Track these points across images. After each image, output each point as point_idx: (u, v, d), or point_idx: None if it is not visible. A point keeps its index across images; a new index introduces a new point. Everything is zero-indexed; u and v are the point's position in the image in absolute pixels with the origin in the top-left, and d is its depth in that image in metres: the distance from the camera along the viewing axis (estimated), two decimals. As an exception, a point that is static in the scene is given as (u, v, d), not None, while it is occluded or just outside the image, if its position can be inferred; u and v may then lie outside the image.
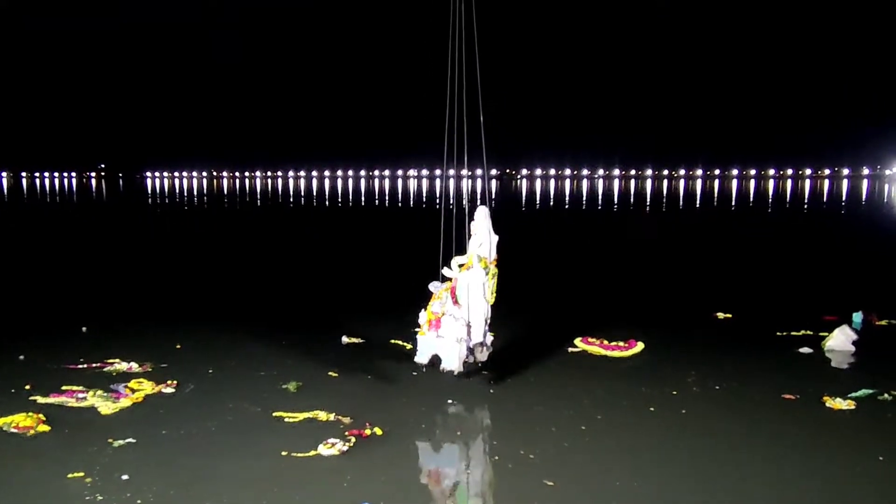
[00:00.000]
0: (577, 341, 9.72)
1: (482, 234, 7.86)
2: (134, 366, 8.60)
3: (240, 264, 18.84)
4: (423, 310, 7.98)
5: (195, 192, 78.19)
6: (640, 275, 17.00)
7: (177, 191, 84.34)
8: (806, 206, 50.85)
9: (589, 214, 42.61)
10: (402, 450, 6.44)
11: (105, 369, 8.50)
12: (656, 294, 14.20)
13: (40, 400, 7.40)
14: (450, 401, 7.58)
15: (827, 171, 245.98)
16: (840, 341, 9.70)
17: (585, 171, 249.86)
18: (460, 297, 7.80)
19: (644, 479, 5.78)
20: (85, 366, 8.62)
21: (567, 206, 50.62)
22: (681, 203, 55.87)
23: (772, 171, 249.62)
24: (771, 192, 78.88)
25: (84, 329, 10.54)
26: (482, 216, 7.94)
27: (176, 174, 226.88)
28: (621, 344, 9.58)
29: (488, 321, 7.96)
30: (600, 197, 65.70)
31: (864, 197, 65.68)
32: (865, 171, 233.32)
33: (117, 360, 8.73)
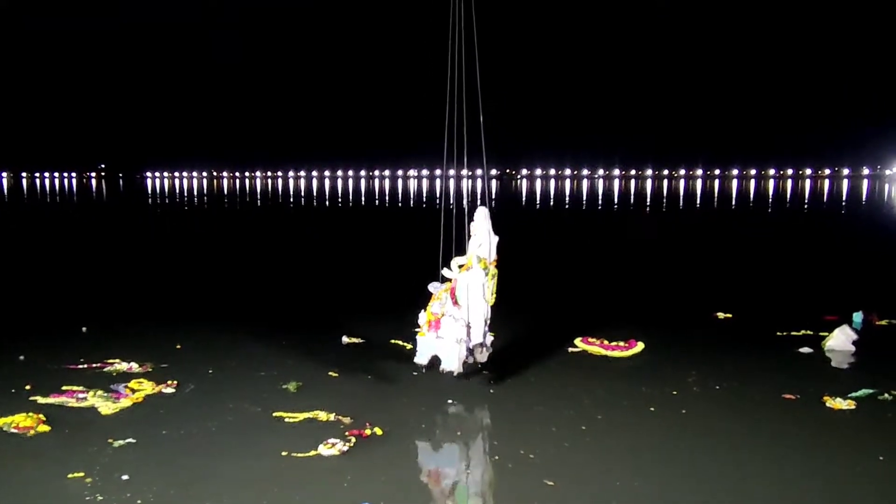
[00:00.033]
0: (578, 341, 9.72)
1: (482, 235, 7.85)
2: (134, 366, 8.60)
3: (240, 264, 18.85)
4: (422, 311, 7.97)
5: (195, 193, 78.19)
6: (640, 275, 17.00)
7: (177, 191, 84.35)
8: (806, 206, 50.86)
9: (589, 214, 42.61)
10: (403, 450, 6.44)
11: (105, 369, 8.50)
12: (656, 294, 14.20)
13: (40, 400, 7.40)
14: (450, 401, 7.58)
15: (827, 171, 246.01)
16: (840, 341, 9.70)
17: (585, 171, 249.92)
18: (460, 297, 7.80)
19: (644, 479, 5.78)
20: (85, 366, 8.62)
21: (567, 207, 50.63)
22: (681, 203, 55.86)
23: (772, 171, 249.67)
24: (771, 192, 78.88)
25: (84, 329, 10.54)
26: (482, 217, 7.93)
27: (176, 174, 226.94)
28: (621, 344, 9.57)
29: (488, 322, 7.96)
30: (600, 197, 65.70)
31: (864, 197, 65.67)
32: (865, 171, 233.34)
33: (117, 361, 8.73)
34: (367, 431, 6.63)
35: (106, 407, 7.23)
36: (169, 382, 7.99)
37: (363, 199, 60.82)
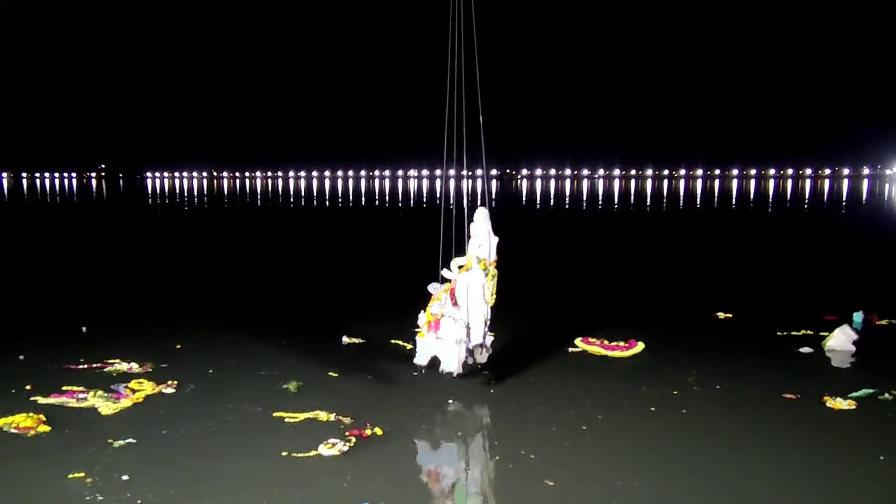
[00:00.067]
0: (578, 341, 9.72)
1: (481, 236, 7.84)
2: (134, 366, 8.60)
3: (240, 265, 18.85)
4: (422, 311, 7.97)
5: (195, 193, 78.20)
6: (641, 275, 17.00)
7: (177, 191, 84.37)
8: (806, 206, 50.85)
9: (589, 214, 42.61)
10: (403, 450, 6.44)
11: (105, 369, 8.50)
12: (656, 294, 14.20)
13: (41, 400, 7.40)
14: (450, 401, 7.58)
15: (827, 171, 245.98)
16: (840, 341, 9.69)
17: (585, 171, 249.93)
18: (459, 298, 7.79)
19: (645, 479, 5.78)
20: (85, 366, 8.62)
21: (567, 207, 50.63)
22: (681, 203, 55.87)
23: (772, 171, 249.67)
24: (771, 192, 78.88)
25: (84, 329, 10.54)
26: (481, 217, 7.92)
27: (176, 174, 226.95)
28: (622, 344, 9.57)
29: (488, 323, 7.95)
30: (600, 197, 65.71)
31: (864, 197, 65.67)
32: (866, 171, 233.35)
33: (118, 361, 8.73)
34: (368, 431, 6.63)
35: (106, 407, 7.23)
36: (169, 382, 7.99)
37: (363, 199, 60.82)
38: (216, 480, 5.71)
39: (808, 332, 10.44)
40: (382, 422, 6.85)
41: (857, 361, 9.27)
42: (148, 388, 7.82)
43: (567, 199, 62.17)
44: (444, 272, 7.97)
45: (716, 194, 73.66)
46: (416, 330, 8.00)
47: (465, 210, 7.97)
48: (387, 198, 62.58)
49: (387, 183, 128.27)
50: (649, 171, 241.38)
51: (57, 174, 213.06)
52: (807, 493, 5.60)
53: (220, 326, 10.81)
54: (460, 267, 7.91)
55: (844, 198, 63.45)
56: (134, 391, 7.71)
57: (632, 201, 57.91)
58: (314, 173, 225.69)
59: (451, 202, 8.35)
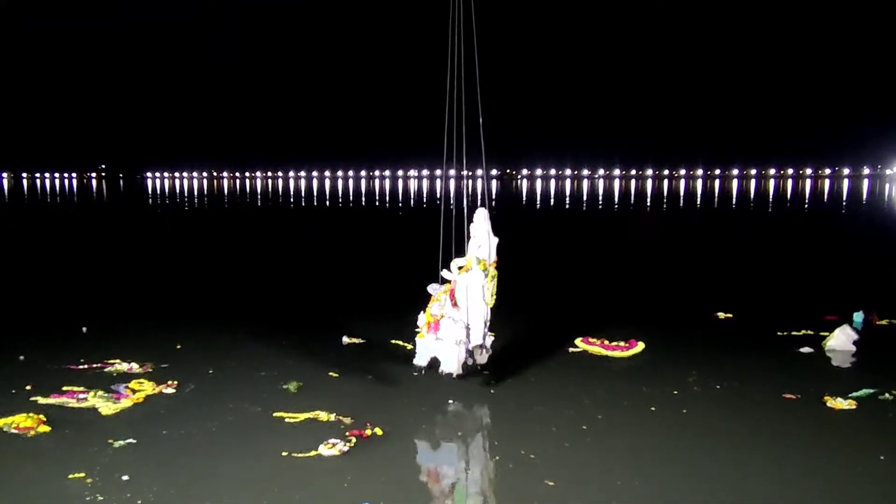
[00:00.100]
0: (578, 341, 9.71)
1: (481, 236, 7.83)
2: (134, 366, 8.60)
3: (240, 265, 18.85)
4: (421, 312, 7.97)
5: (195, 193, 78.22)
6: (641, 275, 17.00)
7: (177, 191, 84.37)
8: (806, 206, 50.84)
9: (589, 214, 42.61)
10: (403, 450, 6.44)
11: (105, 370, 8.50)
12: (656, 294, 14.19)
13: (41, 400, 7.40)
14: (450, 401, 7.58)
15: (827, 171, 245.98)
16: (841, 341, 9.69)
17: (586, 171, 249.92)
18: (459, 299, 7.78)
19: (645, 479, 5.78)
20: (85, 366, 8.62)
21: (567, 207, 50.63)
22: (681, 203, 55.86)
23: (772, 171, 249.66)
24: (771, 192, 78.86)
25: (84, 329, 10.54)
26: (481, 218, 7.92)
27: (176, 174, 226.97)
28: (622, 344, 9.57)
29: (488, 324, 7.94)
30: (600, 197, 65.71)
31: (864, 196, 65.65)
32: (866, 171, 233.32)
33: (118, 361, 8.73)
34: (368, 431, 6.63)
35: (106, 407, 7.23)
36: (169, 383, 7.99)
37: (363, 199, 60.81)
38: (216, 480, 5.71)
39: (809, 332, 10.44)
40: (383, 422, 6.85)
41: (858, 361, 9.27)
42: (148, 388, 7.82)
43: (567, 199, 62.16)
44: (444, 273, 7.96)
45: (716, 194, 73.65)
46: (416, 330, 8.00)
47: (465, 210, 7.96)
48: (387, 198, 62.59)
49: (387, 183, 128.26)
50: (649, 171, 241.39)
51: (57, 174, 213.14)
52: (807, 493, 5.60)
53: (220, 326, 10.82)
54: (460, 268, 7.90)
55: (845, 198, 63.43)
56: (134, 391, 7.71)
57: (632, 201, 57.90)
58: (314, 173, 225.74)
59: (452, 202, 8.35)
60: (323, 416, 7.03)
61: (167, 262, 19.39)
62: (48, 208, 50.48)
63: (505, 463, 6.13)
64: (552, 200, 58.67)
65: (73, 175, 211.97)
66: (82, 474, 5.74)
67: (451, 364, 7.63)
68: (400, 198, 62.34)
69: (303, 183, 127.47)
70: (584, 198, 64.01)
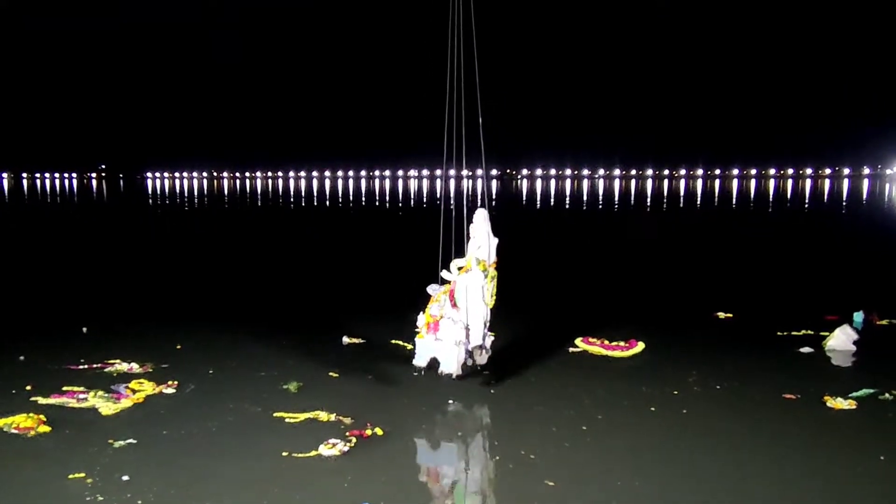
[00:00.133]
0: (578, 341, 9.71)
1: (481, 237, 7.83)
2: (135, 366, 8.60)
3: (240, 265, 18.85)
4: (421, 313, 7.97)
5: (195, 193, 78.22)
6: (641, 275, 17.00)
7: (177, 191, 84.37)
8: (807, 206, 50.83)
9: (589, 214, 42.60)
10: (403, 450, 6.44)
11: (106, 370, 8.50)
12: (657, 294, 14.19)
13: (41, 401, 7.40)
14: (450, 401, 7.58)
15: (828, 171, 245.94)
16: (841, 341, 9.69)
17: (586, 171, 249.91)
18: (459, 300, 7.78)
19: (645, 479, 5.78)
20: (86, 366, 8.62)
21: (567, 207, 50.62)
22: (681, 203, 55.86)
23: (772, 171, 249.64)
24: (771, 192, 78.85)
25: (85, 330, 10.54)
26: (481, 219, 7.91)
27: (176, 175, 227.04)
28: (622, 344, 9.57)
29: (487, 324, 7.94)
30: (601, 197, 65.70)
31: (864, 196, 65.65)
32: (866, 171, 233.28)
33: (118, 361, 8.74)
34: (368, 432, 6.63)
35: (106, 407, 7.23)
36: (169, 383, 7.99)
37: (363, 199, 60.80)
38: (216, 481, 5.71)
39: (809, 331, 10.44)
40: (383, 422, 6.85)
41: (858, 361, 9.27)
42: (148, 388, 7.82)
43: (567, 199, 62.15)
44: (444, 273, 7.95)
45: (716, 194, 73.65)
46: (416, 331, 8.00)
47: (465, 211, 7.96)
48: (387, 198, 62.59)
49: (387, 183, 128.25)
50: (649, 171, 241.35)
51: (57, 174, 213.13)
52: (807, 493, 5.60)
53: (220, 326, 10.82)
54: (460, 268, 7.90)
55: (845, 198, 63.42)
56: (134, 391, 7.71)
57: (632, 201, 57.89)
58: (314, 173, 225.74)
59: (452, 203, 8.35)
60: (323, 416, 7.03)
61: (167, 263, 19.39)
62: (48, 208, 50.47)
63: (505, 463, 6.13)
64: (552, 200, 58.66)
65: (73, 175, 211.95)
66: (82, 474, 5.74)
67: (451, 365, 7.63)
68: (400, 198, 62.34)
69: (303, 183, 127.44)
70: (584, 198, 63.99)
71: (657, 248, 22.54)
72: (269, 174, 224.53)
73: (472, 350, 7.88)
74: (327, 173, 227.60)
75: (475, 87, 7.74)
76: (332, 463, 6.05)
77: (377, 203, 54.30)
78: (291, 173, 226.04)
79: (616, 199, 62.45)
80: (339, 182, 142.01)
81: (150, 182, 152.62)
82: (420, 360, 7.89)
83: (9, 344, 9.68)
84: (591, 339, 9.71)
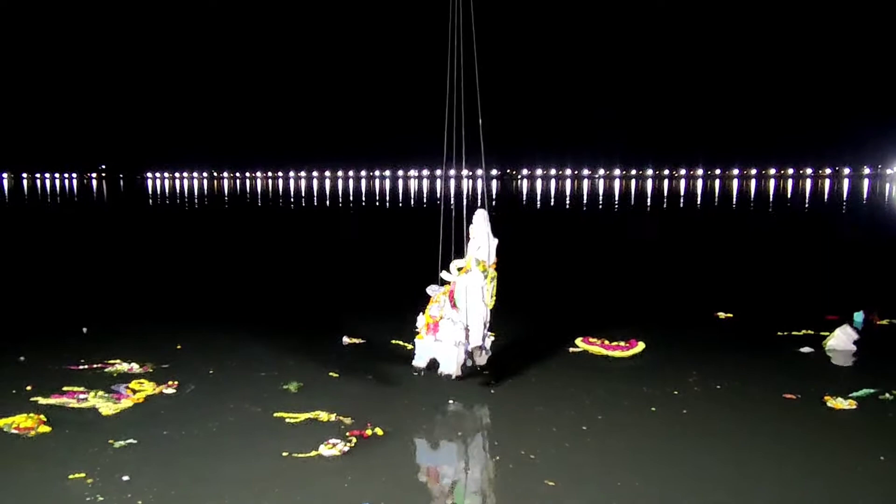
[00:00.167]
0: (578, 341, 9.71)
1: (481, 238, 7.83)
2: (135, 366, 8.60)
3: (240, 265, 18.85)
4: (420, 313, 7.97)
5: (196, 193, 78.22)
6: (641, 275, 17.00)
7: (177, 191, 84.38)
8: (807, 206, 50.82)
9: (589, 214, 42.59)
10: (403, 450, 6.44)
11: (106, 370, 8.50)
12: (657, 294, 14.19)
13: (41, 401, 7.40)
14: (450, 401, 7.58)
15: (828, 171, 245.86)
16: (841, 341, 9.69)
17: (586, 171, 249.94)
18: (458, 300, 7.77)
19: (645, 479, 5.78)
20: (86, 367, 8.62)
21: (567, 207, 50.61)
22: (681, 202, 55.85)
23: (773, 171, 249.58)
24: (772, 192, 78.83)
25: (85, 330, 10.54)
26: (481, 219, 7.91)
27: (176, 175, 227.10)
28: (622, 344, 9.57)
29: (487, 325, 7.94)
30: (601, 197, 65.69)
31: (864, 196, 65.62)
32: (866, 171, 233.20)
33: (118, 361, 8.74)
34: (368, 432, 6.63)
35: (107, 408, 7.23)
36: (170, 383, 7.99)
37: (363, 199, 60.80)
38: (217, 481, 5.71)
39: (809, 331, 10.43)
40: (383, 422, 6.85)
41: (858, 361, 9.26)
42: (148, 388, 7.82)
43: (567, 199, 62.13)
44: (444, 274, 7.95)
45: (716, 194, 73.63)
46: (416, 331, 8.00)
47: (465, 211, 7.96)
48: (387, 198, 62.58)
49: (387, 183, 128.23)
50: (649, 171, 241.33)
51: (57, 175, 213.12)
52: (807, 493, 5.59)
53: (220, 326, 10.82)
54: (459, 269, 7.90)
55: (845, 197, 63.40)
56: (134, 391, 7.71)
57: (632, 201, 57.87)
58: (314, 173, 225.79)
59: (452, 203, 8.35)
60: (323, 416, 7.03)
61: (167, 263, 19.38)
62: (48, 209, 50.48)
63: (505, 463, 6.13)
64: (552, 200, 58.65)
65: (74, 175, 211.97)
66: (83, 475, 5.74)
67: (450, 365, 7.63)
68: (400, 198, 62.33)
69: (303, 183, 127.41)
70: (585, 198, 63.97)
71: (657, 248, 22.54)
72: (270, 174, 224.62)
73: (472, 351, 7.89)
74: (327, 173, 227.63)
75: (475, 87, 7.75)
76: (333, 463, 6.05)
77: (377, 203, 54.29)
78: (292, 173, 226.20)
79: (616, 198, 62.41)
80: (340, 182, 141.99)
81: (150, 182, 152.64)
82: (420, 361, 7.89)
83: (9, 344, 9.68)
84: (591, 339, 9.70)
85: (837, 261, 19.46)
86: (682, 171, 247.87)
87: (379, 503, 5.33)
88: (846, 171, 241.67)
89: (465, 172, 7.88)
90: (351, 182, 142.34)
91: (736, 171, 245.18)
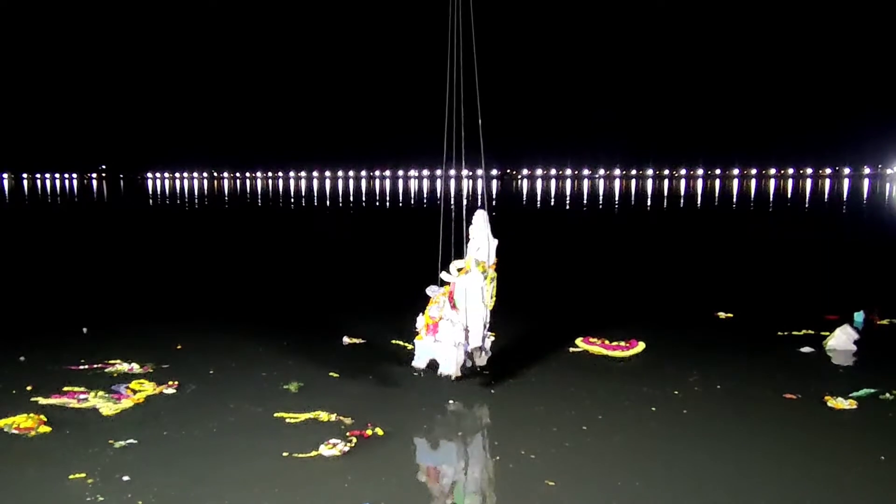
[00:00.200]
0: (579, 341, 9.71)
1: (480, 239, 7.83)
2: (135, 366, 8.60)
3: (241, 265, 18.85)
4: (420, 314, 7.97)
5: (196, 193, 78.23)
6: (641, 274, 17.00)
7: (178, 191, 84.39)
8: (807, 206, 50.81)
9: (589, 214, 42.58)
10: (404, 450, 6.45)
11: (106, 370, 8.51)
12: (657, 294, 14.19)
13: (42, 401, 7.40)
14: (451, 401, 7.58)
15: (828, 171, 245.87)
16: (841, 340, 9.69)
17: (586, 171, 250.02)
18: (458, 301, 7.78)
19: (645, 479, 5.78)
20: (86, 367, 8.63)
21: (567, 207, 50.60)
22: (681, 202, 55.85)
23: (773, 171, 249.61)
24: (772, 192, 78.82)
25: (85, 330, 10.54)
26: (480, 220, 7.92)
27: (177, 175, 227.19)
28: (622, 343, 9.57)
29: (487, 326, 7.94)
30: (601, 197, 65.68)
31: (865, 196, 65.61)
32: (866, 171, 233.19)
33: (118, 361, 8.74)
34: (368, 432, 6.64)
35: (107, 408, 7.24)
36: (170, 383, 7.99)
37: (363, 199, 60.80)
38: (217, 481, 5.71)
39: (809, 331, 10.43)
40: (383, 422, 6.85)
41: (858, 361, 9.26)
42: (149, 388, 7.82)
43: (567, 199, 62.13)
44: (443, 275, 7.95)
45: (716, 194, 73.62)
46: (416, 331, 8.00)
47: (464, 212, 7.96)
48: (387, 198, 62.58)
49: (387, 183, 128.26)
50: (650, 171, 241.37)
51: (57, 175, 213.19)
52: (807, 492, 5.59)
53: (220, 326, 10.82)
54: (459, 270, 7.90)
55: (845, 197, 63.39)
56: (135, 392, 7.71)
57: (632, 201, 57.86)
58: (315, 173, 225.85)
59: (451, 204, 8.35)
60: (324, 416, 7.03)
61: (168, 263, 19.39)
62: (49, 209, 50.48)
63: (505, 463, 6.14)
64: (552, 200, 58.65)
65: (74, 176, 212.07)
66: (83, 475, 5.74)
67: (450, 366, 7.63)
68: (400, 198, 62.33)
69: (303, 183, 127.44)
70: (585, 198, 63.96)
71: (657, 248, 22.54)
72: (270, 174, 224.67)
73: (472, 351, 7.88)
74: (328, 173, 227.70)
75: (475, 87, 7.75)
76: (333, 463, 6.05)
77: (377, 203, 54.28)
78: (292, 173, 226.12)
79: (616, 198, 62.40)
80: (340, 182, 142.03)
81: (150, 182, 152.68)
82: (419, 362, 7.90)
83: (9, 344, 9.68)
84: (591, 339, 9.71)
85: (837, 261, 19.46)
86: (682, 171, 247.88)
87: (379, 503, 5.34)
88: (846, 170, 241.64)
89: (465, 172, 7.88)
90: (351, 182, 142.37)
91: (736, 171, 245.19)
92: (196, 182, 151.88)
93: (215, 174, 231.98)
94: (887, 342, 10.18)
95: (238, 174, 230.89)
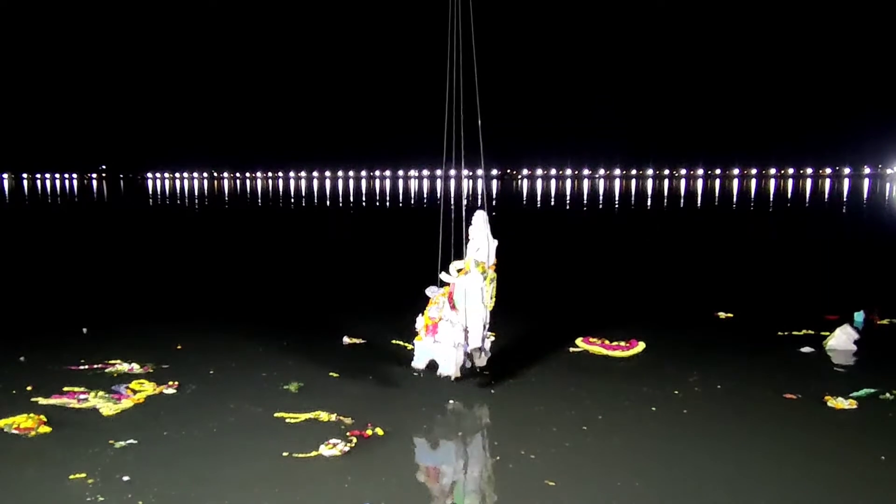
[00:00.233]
0: (579, 341, 9.71)
1: (480, 239, 7.83)
2: (135, 367, 8.60)
3: (241, 265, 18.86)
4: (420, 315, 7.97)
5: (196, 193, 78.24)
6: (641, 274, 17.00)
7: (178, 191, 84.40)
8: (807, 206, 50.80)
9: (589, 214, 42.59)
10: (404, 450, 6.45)
11: (106, 370, 8.51)
12: (657, 294, 14.19)
13: (42, 401, 7.41)
14: (451, 401, 7.58)
15: (828, 171, 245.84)
16: (841, 340, 9.69)
17: (586, 171, 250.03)
18: (458, 302, 7.77)
19: (645, 479, 5.78)
20: (86, 367, 8.63)
21: (567, 207, 50.61)
22: (681, 202, 55.85)
23: (773, 171, 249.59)
24: (772, 192, 78.82)
25: (85, 330, 10.55)
26: (480, 221, 7.91)
27: (177, 175, 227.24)
28: (622, 344, 9.57)
29: (487, 326, 7.94)
30: (601, 197, 65.68)
31: (865, 196, 65.61)
32: (867, 171, 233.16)
33: (118, 361, 8.74)
34: (369, 432, 6.64)
35: (107, 408, 7.24)
36: (170, 383, 8.00)
37: (363, 199, 60.81)
38: (217, 481, 5.72)
39: (809, 331, 10.43)
40: (383, 422, 6.85)
41: (859, 361, 9.26)
42: (149, 388, 7.83)
43: (567, 199, 62.13)
44: (443, 276, 7.95)
45: (716, 194, 73.63)
46: (416, 332, 8.00)
47: (464, 212, 7.96)
48: (387, 198, 62.59)
49: (387, 183, 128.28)
50: (650, 171, 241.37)
51: (58, 175, 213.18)
52: (807, 492, 5.59)
53: (220, 327, 10.82)
54: (458, 270, 7.90)
55: (845, 197, 63.38)
56: (135, 392, 7.71)
57: (632, 201, 57.86)
58: (315, 173, 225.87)
59: (451, 204, 8.34)
60: (324, 416, 7.04)
61: (168, 263, 19.39)
62: (49, 209, 50.49)
63: (505, 463, 6.14)
64: (552, 200, 58.65)
65: (74, 176, 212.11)
66: (83, 475, 5.74)
67: (449, 367, 7.63)
68: (400, 198, 62.33)
69: (303, 183, 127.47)
70: (585, 198, 63.97)
71: (657, 248, 22.54)
72: (270, 174, 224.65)
73: (471, 352, 7.88)
74: (328, 173, 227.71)
75: (475, 87, 7.75)
76: (333, 463, 6.05)
77: (377, 203, 54.29)
78: (292, 173, 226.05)
79: (616, 198, 62.41)
80: (340, 182, 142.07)
81: (150, 182, 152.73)
82: (419, 363, 7.90)
83: (9, 344, 9.68)
84: (591, 339, 9.71)
85: (837, 260, 19.46)
86: (683, 171, 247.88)
87: (379, 503, 5.34)
88: (846, 170, 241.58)
89: (464, 173, 7.87)
90: (351, 182, 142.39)
91: (736, 171, 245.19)
92: (196, 182, 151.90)
93: (215, 174, 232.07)
94: (887, 342, 10.18)
95: (238, 174, 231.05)
